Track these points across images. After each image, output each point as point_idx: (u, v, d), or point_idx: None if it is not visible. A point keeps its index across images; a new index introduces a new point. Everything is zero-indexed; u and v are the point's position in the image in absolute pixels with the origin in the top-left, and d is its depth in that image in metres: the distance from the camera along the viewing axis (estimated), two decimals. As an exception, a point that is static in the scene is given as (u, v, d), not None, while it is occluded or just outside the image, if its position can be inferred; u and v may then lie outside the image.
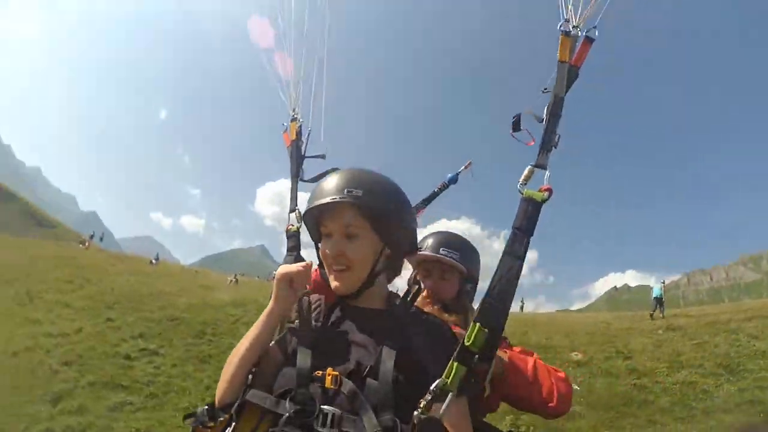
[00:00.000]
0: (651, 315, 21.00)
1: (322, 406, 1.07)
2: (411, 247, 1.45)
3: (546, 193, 1.19)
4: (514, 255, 1.17)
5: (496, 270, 1.17)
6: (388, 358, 1.13)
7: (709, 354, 12.47)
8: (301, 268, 1.37)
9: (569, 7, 1.33)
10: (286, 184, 2.07)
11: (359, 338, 1.24)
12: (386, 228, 1.32)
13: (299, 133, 2.04)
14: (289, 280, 1.36)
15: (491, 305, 1.14)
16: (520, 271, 1.17)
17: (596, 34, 1.31)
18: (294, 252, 1.78)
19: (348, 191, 1.28)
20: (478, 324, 1.10)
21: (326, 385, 1.11)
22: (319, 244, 1.42)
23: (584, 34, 1.31)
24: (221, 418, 1.19)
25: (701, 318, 18.83)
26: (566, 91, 1.28)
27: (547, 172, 1.22)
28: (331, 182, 1.33)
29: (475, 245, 2.05)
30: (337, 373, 1.12)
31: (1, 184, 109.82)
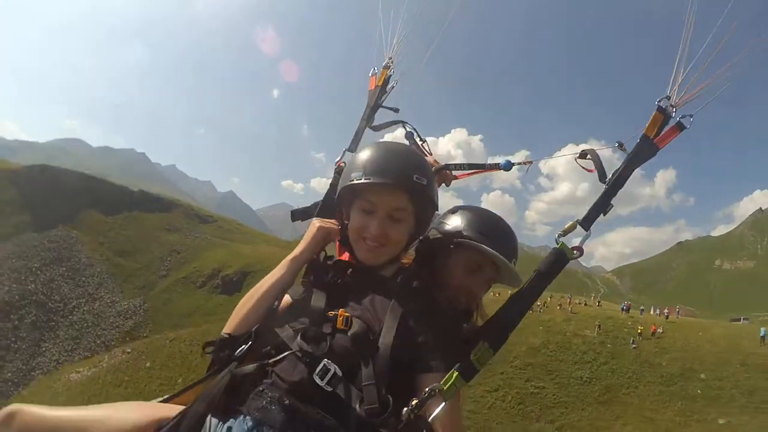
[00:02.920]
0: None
1: (326, 360, 1.12)
2: (427, 227, 1.56)
3: (577, 253, 1.27)
4: (528, 294, 1.29)
5: (512, 299, 1.30)
6: (390, 328, 1.18)
7: None
8: (336, 227, 1.51)
9: (676, 86, 1.27)
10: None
11: (367, 298, 1.31)
12: (426, 218, 1.45)
13: (386, 82, 2.08)
14: (326, 233, 1.50)
15: (500, 331, 1.25)
16: (528, 309, 1.29)
17: (691, 123, 1.26)
18: (337, 188, 1.69)
19: (417, 179, 1.31)
20: (487, 344, 1.19)
21: (337, 326, 1.18)
22: (344, 210, 1.49)
23: (679, 118, 1.27)
24: (241, 346, 1.27)
25: None
26: (638, 166, 1.28)
27: (586, 235, 1.28)
28: (393, 159, 1.34)
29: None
30: (348, 314, 1.20)
31: (160, 195, 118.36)
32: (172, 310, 76.96)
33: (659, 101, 1.29)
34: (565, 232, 1.29)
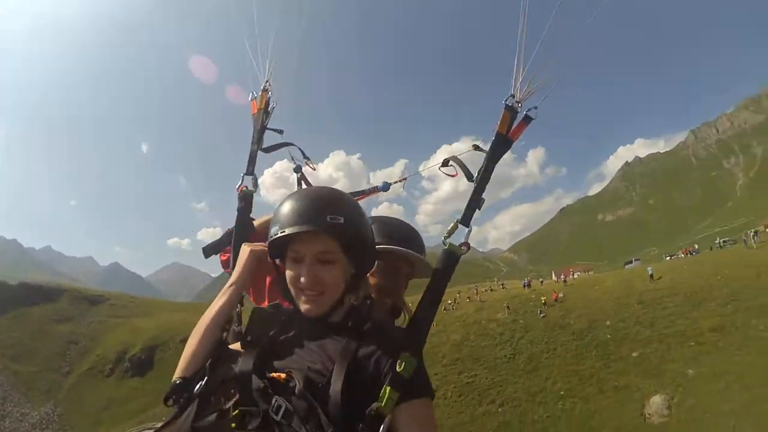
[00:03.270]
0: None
1: (275, 396, 1.16)
2: (371, 266, 1.49)
3: (465, 248, 1.42)
4: (433, 298, 1.42)
5: (420, 304, 1.42)
6: (339, 375, 1.18)
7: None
8: (266, 249, 1.46)
9: (518, 83, 1.41)
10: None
11: (316, 348, 1.31)
12: (359, 252, 1.38)
13: (267, 103, 2.16)
14: (256, 256, 1.57)
15: (416, 337, 1.38)
16: (436, 311, 1.41)
17: (536, 115, 1.41)
18: (245, 212, 1.92)
19: (331, 218, 1.29)
20: (408, 354, 1.24)
21: (279, 383, 1.19)
22: (278, 262, 1.45)
23: (525, 112, 1.42)
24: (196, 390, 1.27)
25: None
26: (497, 161, 1.43)
27: (468, 231, 1.42)
28: (305, 205, 1.32)
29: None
30: (287, 373, 1.20)
31: (40, 286, 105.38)
32: (86, 408, 68.49)
33: (506, 100, 1.42)
34: (450, 233, 1.42)
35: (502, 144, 1.42)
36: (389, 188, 2.36)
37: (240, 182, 1.98)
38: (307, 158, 2.31)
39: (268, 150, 2.17)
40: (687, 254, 60.89)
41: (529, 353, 35.86)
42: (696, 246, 72.66)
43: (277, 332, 1.39)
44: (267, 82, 2.18)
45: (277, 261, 1.45)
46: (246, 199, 1.91)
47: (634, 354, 29.92)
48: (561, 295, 41.96)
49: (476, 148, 1.51)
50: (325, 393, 1.16)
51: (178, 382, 1.30)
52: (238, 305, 1.60)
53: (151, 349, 75.48)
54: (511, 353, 36.71)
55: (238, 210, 1.90)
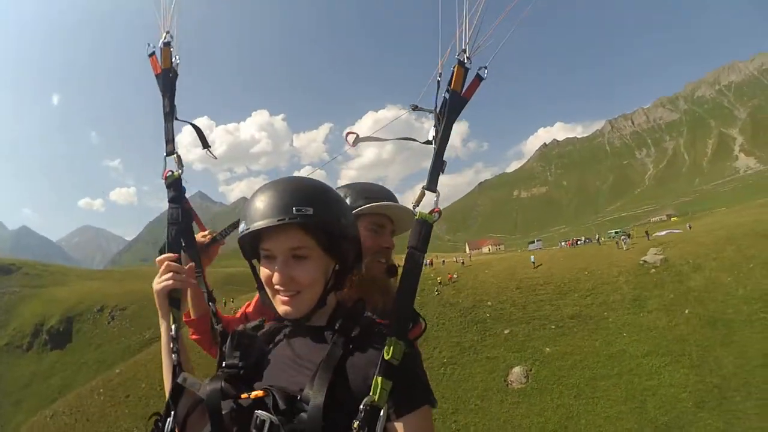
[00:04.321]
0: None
1: (256, 411, 1.05)
2: (357, 259, 1.35)
3: (436, 215, 1.29)
4: (412, 271, 1.23)
5: (400, 284, 1.23)
6: (320, 389, 1.07)
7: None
8: (171, 281, 1.37)
9: (467, 39, 1.31)
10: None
11: (296, 361, 1.21)
12: (336, 244, 1.25)
13: (171, 60, 1.77)
14: (166, 296, 1.38)
15: (400, 318, 1.18)
16: (417, 284, 1.24)
17: (486, 74, 1.33)
18: (176, 204, 1.58)
19: (297, 210, 1.17)
20: (393, 338, 1.13)
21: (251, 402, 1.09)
22: (255, 263, 1.33)
23: (476, 71, 1.34)
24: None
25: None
26: (454, 120, 1.33)
27: (437, 195, 1.31)
28: (271, 198, 1.19)
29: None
30: (260, 393, 1.08)
31: None
32: (6, 386, 65.24)
33: (458, 55, 1.32)
34: (418, 202, 1.32)
35: (457, 102, 1.32)
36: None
37: (164, 166, 1.64)
38: (208, 146, 2.03)
39: (190, 123, 1.81)
40: (571, 245, 68.05)
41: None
42: (584, 239, 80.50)
43: (256, 350, 1.26)
44: (168, 32, 1.78)
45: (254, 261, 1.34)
46: (175, 185, 1.59)
47: (506, 331, 34.58)
48: (455, 276, 45.43)
49: (415, 108, 1.40)
50: (305, 408, 1.06)
51: (156, 419, 1.27)
52: (175, 334, 1.40)
53: (69, 321, 73.02)
54: (405, 327, 40.35)
55: (169, 200, 1.59)
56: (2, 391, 64.38)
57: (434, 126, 1.35)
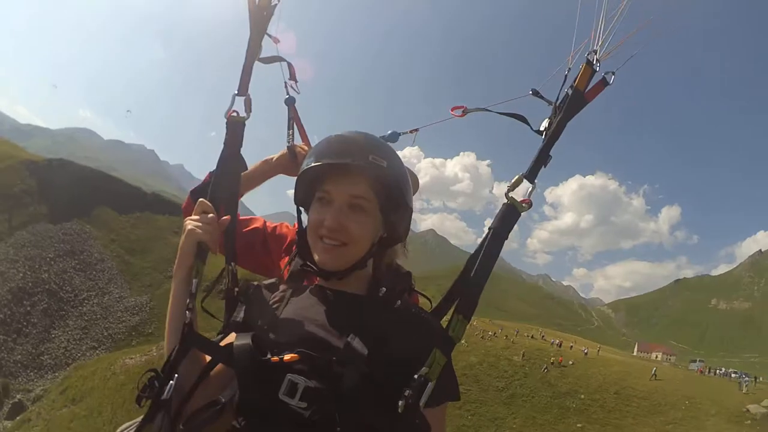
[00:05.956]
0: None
1: (288, 375, 0.97)
2: (405, 233, 1.30)
3: (526, 206, 1.19)
4: (488, 254, 1.14)
5: (474, 263, 1.13)
6: (360, 353, 1.01)
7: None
8: (208, 233, 1.23)
9: (599, 40, 1.24)
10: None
11: (324, 323, 1.11)
12: (394, 209, 1.21)
13: None
14: (195, 244, 1.22)
15: (469, 300, 1.10)
16: (491, 269, 1.15)
17: (612, 80, 1.25)
18: (234, 148, 1.41)
19: (374, 158, 1.12)
20: (460, 315, 1.08)
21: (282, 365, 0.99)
22: (302, 208, 1.27)
23: (603, 75, 1.26)
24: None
25: None
26: (570, 119, 1.24)
27: (532, 187, 1.21)
28: (348, 141, 1.16)
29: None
30: (296, 356, 0.99)
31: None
32: None
33: (588, 55, 1.24)
34: (514, 186, 1.21)
35: (577, 101, 1.21)
36: (398, 138, 2.05)
37: (230, 104, 1.45)
38: (295, 80, 1.96)
39: (268, 61, 1.65)
40: (701, 372, 63.90)
41: (513, 391, 44.61)
42: (723, 370, 74.73)
43: (280, 308, 1.17)
44: None
45: (302, 209, 1.26)
46: (235, 129, 1.40)
47: (579, 425, 38.31)
48: (571, 362, 48.97)
49: (535, 93, 1.32)
50: (341, 374, 0.98)
51: (151, 376, 1.07)
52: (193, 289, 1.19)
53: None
54: (503, 386, 45.79)
55: (224, 143, 1.41)
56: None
57: (549, 117, 1.27)
